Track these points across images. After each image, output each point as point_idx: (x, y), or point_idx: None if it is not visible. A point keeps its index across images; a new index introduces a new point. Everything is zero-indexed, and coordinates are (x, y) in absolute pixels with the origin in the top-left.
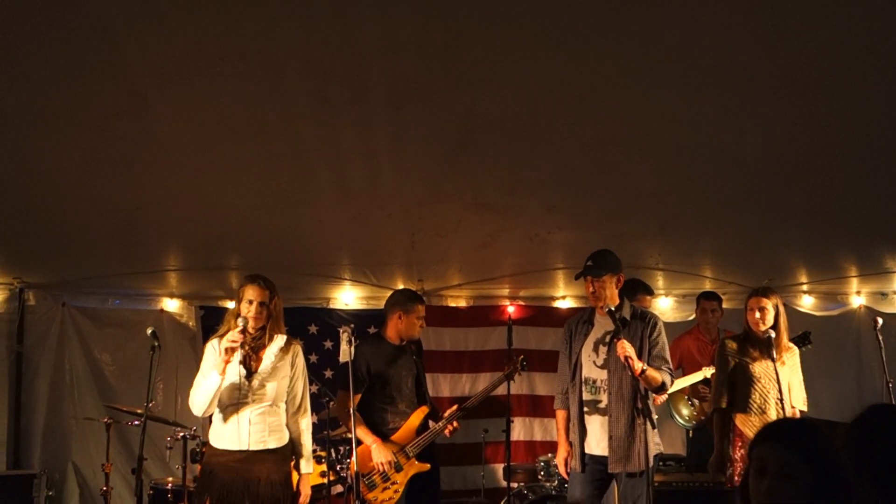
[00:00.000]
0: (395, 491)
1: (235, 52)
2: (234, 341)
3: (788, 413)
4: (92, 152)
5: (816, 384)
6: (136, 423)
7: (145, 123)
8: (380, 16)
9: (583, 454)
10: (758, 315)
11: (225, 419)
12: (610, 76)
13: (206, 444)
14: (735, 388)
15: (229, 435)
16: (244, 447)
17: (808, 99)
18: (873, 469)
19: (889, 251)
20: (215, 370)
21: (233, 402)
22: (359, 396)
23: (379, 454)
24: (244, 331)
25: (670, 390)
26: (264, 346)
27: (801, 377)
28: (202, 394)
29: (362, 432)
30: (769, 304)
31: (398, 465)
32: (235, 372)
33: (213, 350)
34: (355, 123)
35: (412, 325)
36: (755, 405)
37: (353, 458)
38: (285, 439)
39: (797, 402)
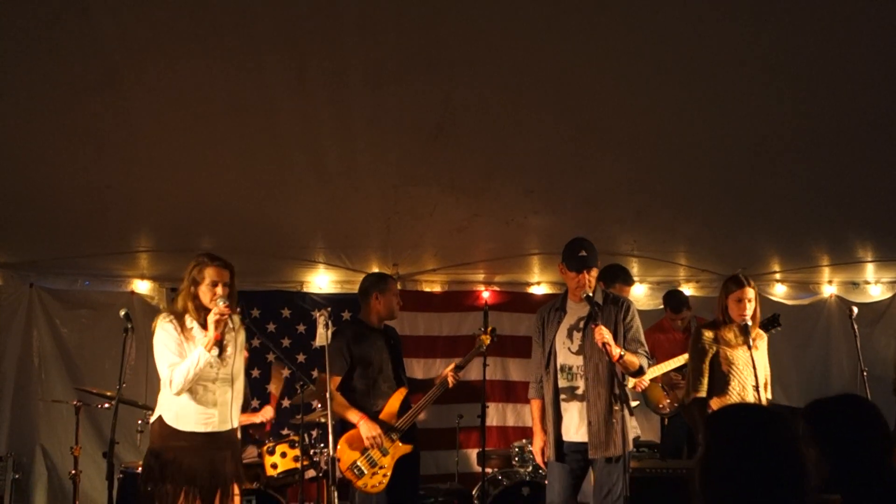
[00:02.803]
0: (384, 475)
1: (211, 28)
2: (222, 313)
3: (763, 398)
4: (62, 129)
5: (786, 372)
6: (107, 405)
7: (117, 100)
8: None
9: (559, 442)
10: (746, 307)
11: (195, 399)
12: (589, 62)
13: (155, 425)
14: (713, 376)
15: (198, 416)
16: (214, 429)
17: (783, 89)
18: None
19: (861, 241)
20: (202, 347)
21: (205, 381)
22: (339, 379)
23: (367, 429)
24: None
25: (649, 374)
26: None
27: (767, 363)
28: (188, 373)
29: (346, 411)
30: (753, 294)
31: (384, 450)
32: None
33: (170, 329)
34: (332, 104)
35: (390, 302)
36: (734, 392)
37: (331, 443)
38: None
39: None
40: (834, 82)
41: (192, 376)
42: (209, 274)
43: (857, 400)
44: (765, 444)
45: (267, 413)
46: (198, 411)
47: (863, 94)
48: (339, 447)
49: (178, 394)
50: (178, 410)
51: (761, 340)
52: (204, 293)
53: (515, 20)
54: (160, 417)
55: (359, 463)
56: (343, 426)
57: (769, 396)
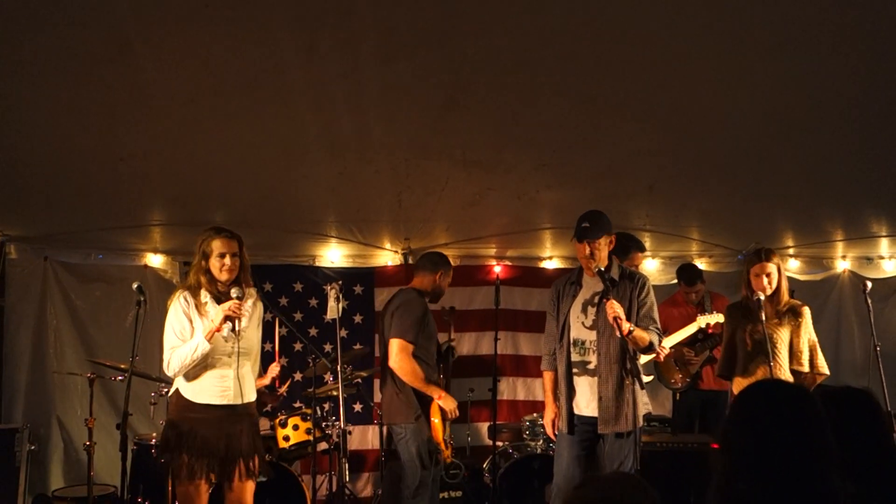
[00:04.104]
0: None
1: (223, 0)
2: (235, 312)
3: (786, 375)
4: (75, 101)
5: None
6: (121, 378)
7: (130, 71)
8: None
9: (571, 415)
10: (765, 281)
11: (211, 373)
12: (603, 33)
13: (173, 397)
14: (737, 355)
15: (213, 389)
16: (229, 402)
17: (800, 61)
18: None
19: (875, 216)
20: (202, 336)
21: (219, 356)
22: (413, 348)
23: (449, 402)
24: (240, 298)
25: (664, 343)
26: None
27: (815, 338)
28: (185, 358)
29: (427, 385)
30: (773, 268)
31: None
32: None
33: (179, 309)
34: (343, 76)
35: (445, 286)
36: (758, 370)
37: (342, 416)
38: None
39: (822, 366)
40: (849, 56)
41: (190, 362)
42: (216, 246)
43: (856, 392)
44: (782, 422)
45: (273, 370)
46: (214, 384)
47: (879, 68)
48: (437, 419)
49: (175, 376)
50: (194, 383)
51: (800, 317)
52: (214, 265)
53: None
54: (177, 390)
55: (447, 435)
56: (420, 397)
57: (827, 372)
